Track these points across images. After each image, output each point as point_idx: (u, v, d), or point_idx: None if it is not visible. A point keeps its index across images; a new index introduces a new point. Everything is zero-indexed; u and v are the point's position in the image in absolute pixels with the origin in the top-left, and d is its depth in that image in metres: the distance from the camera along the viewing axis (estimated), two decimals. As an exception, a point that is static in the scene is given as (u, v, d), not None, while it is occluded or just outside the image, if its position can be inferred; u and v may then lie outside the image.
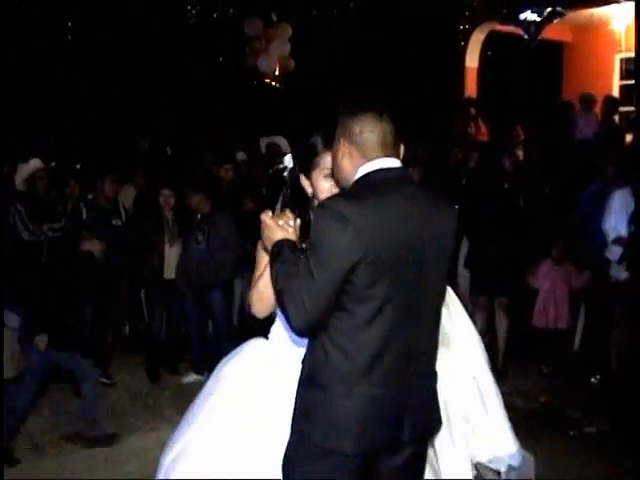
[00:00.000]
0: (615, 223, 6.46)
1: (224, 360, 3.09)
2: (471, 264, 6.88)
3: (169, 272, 6.90)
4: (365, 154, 2.50)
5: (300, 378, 2.51)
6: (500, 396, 3.50)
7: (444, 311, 3.12)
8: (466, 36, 12.20)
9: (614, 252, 6.49)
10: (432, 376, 2.62)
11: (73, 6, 11.18)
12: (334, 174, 2.66)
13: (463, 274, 7.06)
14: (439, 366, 2.71)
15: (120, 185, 7.14)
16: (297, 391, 2.50)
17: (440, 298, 2.63)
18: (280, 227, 2.61)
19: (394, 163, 2.52)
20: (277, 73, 12.37)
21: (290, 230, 2.62)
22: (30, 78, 10.34)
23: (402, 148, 2.60)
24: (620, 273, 6.48)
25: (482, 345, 3.48)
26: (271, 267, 2.51)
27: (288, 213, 2.78)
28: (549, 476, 4.88)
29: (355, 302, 2.37)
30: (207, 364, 5.74)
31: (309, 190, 2.89)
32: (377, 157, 2.49)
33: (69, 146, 9.44)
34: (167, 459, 2.91)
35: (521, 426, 5.66)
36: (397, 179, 2.49)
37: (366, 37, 12.05)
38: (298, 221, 2.74)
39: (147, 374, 6.85)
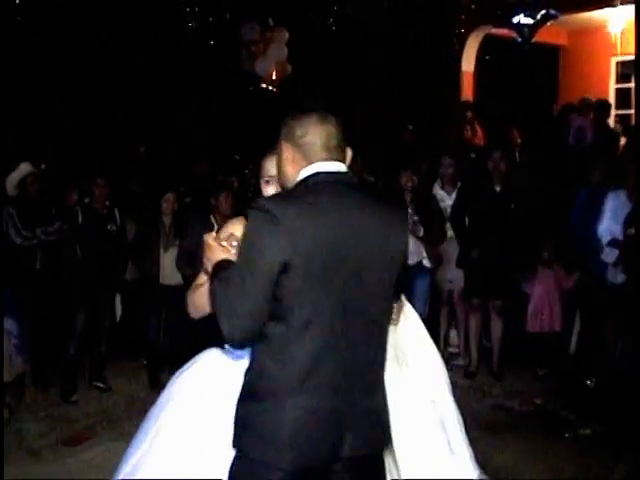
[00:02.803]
0: (609, 226, 6.45)
1: (178, 372, 3.02)
2: (464, 267, 6.89)
3: (165, 278, 6.86)
4: (307, 157, 2.41)
5: (240, 391, 2.41)
6: (462, 422, 3.31)
7: (400, 326, 3.01)
8: (462, 40, 12.23)
9: (609, 255, 6.47)
10: (377, 390, 2.46)
11: (68, 8, 11.17)
12: (279, 180, 2.57)
13: (457, 275, 7.06)
14: (394, 387, 2.63)
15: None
16: (237, 404, 2.40)
17: (384, 310, 2.48)
18: (222, 247, 2.52)
19: (337, 167, 2.42)
20: (274, 78, 12.39)
21: (233, 251, 2.50)
22: (24, 81, 10.32)
23: (349, 153, 2.50)
24: (616, 276, 6.46)
25: (444, 366, 3.31)
26: (210, 286, 2.42)
27: (236, 233, 2.67)
28: (543, 478, 4.91)
29: (287, 309, 2.27)
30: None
31: None
32: (319, 160, 2.40)
33: (63, 149, 9.43)
34: (120, 475, 2.83)
35: (516, 428, 5.77)
36: (338, 183, 2.39)
37: (362, 41, 12.06)
38: None
39: (149, 380, 6.83)
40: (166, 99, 11.65)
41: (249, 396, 2.36)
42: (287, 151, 2.45)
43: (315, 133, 2.40)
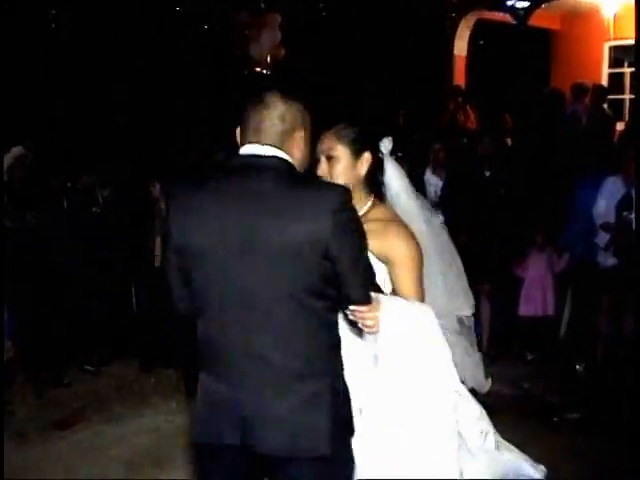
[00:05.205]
0: (605, 210, 6.44)
1: None
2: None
3: (159, 261, 6.83)
4: (241, 140, 2.39)
5: None
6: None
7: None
8: (454, 24, 12.20)
9: (602, 238, 6.48)
10: (291, 394, 2.29)
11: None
12: None
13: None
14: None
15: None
16: None
17: (293, 311, 2.25)
18: None
19: (260, 150, 2.32)
20: (269, 61, 12.34)
21: None
22: (18, 71, 10.27)
23: (299, 136, 2.36)
24: (607, 260, 6.47)
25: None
26: None
27: None
28: (531, 461, 4.92)
29: (191, 291, 2.39)
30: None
31: None
32: (247, 144, 2.36)
33: (52, 135, 9.39)
34: None
35: (504, 412, 5.76)
36: (251, 167, 2.30)
37: (354, 26, 12.01)
38: None
39: (139, 364, 6.85)
40: (160, 86, 11.60)
41: None
42: (238, 135, 2.45)
43: (250, 116, 2.36)
